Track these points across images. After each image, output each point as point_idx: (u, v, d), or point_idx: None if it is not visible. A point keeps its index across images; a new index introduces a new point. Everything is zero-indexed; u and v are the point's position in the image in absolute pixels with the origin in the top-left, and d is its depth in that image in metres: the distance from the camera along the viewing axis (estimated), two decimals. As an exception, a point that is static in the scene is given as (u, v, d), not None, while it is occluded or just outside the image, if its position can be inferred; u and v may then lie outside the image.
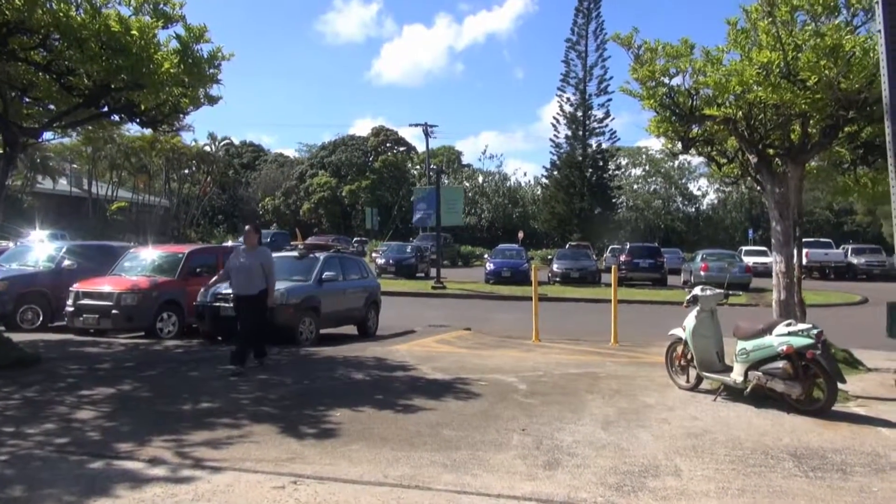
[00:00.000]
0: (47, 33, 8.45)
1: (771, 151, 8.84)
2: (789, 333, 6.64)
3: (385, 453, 5.27)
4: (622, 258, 29.10)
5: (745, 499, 4.50)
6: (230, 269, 8.98)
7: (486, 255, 34.81)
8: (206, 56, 9.12)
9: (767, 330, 6.83)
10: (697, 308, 7.61)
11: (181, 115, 10.33)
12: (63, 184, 46.37)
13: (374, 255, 39.03)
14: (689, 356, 7.70)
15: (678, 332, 7.88)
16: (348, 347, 10.89)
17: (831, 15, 7.57)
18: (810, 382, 6.56)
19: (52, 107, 9.83)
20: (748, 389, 6.86)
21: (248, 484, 4.62)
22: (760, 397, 6.88)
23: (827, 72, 7.13)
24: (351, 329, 13.28)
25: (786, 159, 8.78)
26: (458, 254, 43.61)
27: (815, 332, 6.54)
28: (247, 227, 9.17)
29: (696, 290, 7.72)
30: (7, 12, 8.12)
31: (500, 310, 19.21)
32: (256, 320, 8.79)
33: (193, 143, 51.54)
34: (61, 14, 8.11)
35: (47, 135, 10.93)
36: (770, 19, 7.46)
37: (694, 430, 6.07)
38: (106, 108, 9.66)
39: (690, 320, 7.63)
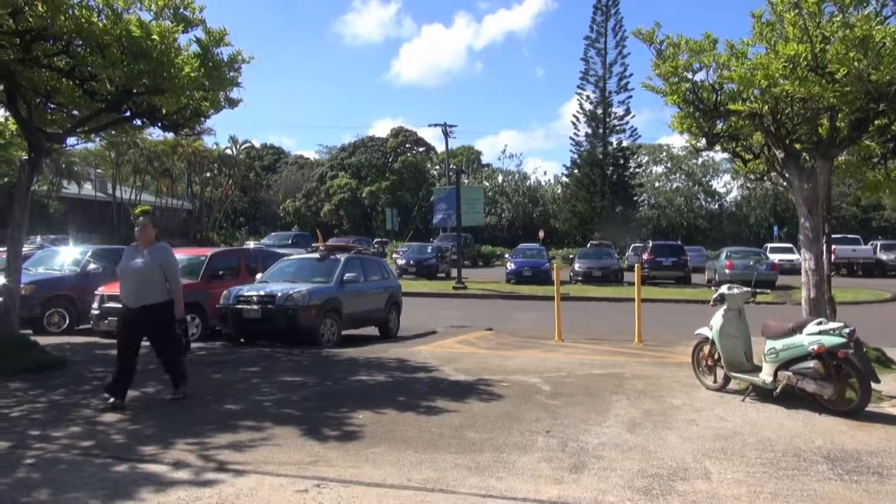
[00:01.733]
0: (70, 39, 8.54)
1: (798, 146, 8.67)
2: (820, 332, 6.50)
3: (408, 456, 5.23)
4: (645, 256, 28.87)
5: (777, 503, 4.39)
6: (118, 273, 6.93)
7: (506, 255, 34.77)
8: (226, 59, 9.16)
9: (797, 329, 6.69)
10: (724, 307, 7.49)
11: (202, 119, 10.39)
12: (88, 188, 47.13)
13: (394, 255, 39.10)
14: (716, 356, 7.58)
15: (704, 331, 7.77)
16: (370, 349, 10.90)
17: (860, 5, 7.39)
18: (843, 382, 6.41)
19: (75, 112, 9.94)
20: (778, 390, 6.73)
21: (271, 487, 4.61)
22: (791, 398, 6.75)
23: (856, 64, 6.96)
24: (372, 330, 13.30)
25: (814, 154, 8.60)
26: (478, 254, 43.54)
27: (846, 330, 6.39)
28: (139, 219, 6.91)
29: (723, 289, 7.60)
30: (30, 19, 8.22)
31: (521, 310, 19.18)
32: (165, 340, 6.86)
33: (215, 147, 52.23)
34: (83, 20, 8.20)
35: (71, 140, 11.05)
36: (796, 11, 7.30)
37: (723, 431, 5.96)
38: (128, 113, 9.75)
39: (717, 319, 7.51)
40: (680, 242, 36.02)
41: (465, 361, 9.53)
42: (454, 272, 28.05)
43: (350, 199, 65.46)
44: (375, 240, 52.24)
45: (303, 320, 11.00)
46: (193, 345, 11.44)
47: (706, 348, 7.76)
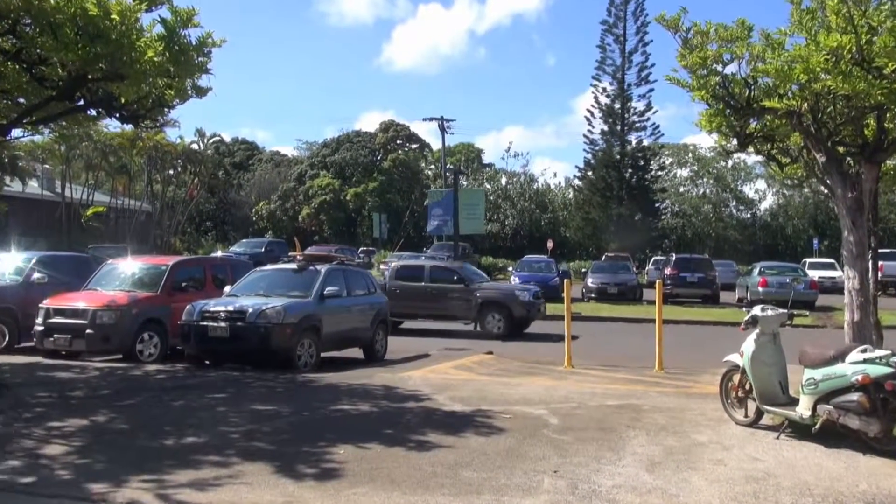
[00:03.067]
0: (17, 18, 8.57)
1: (841, 149, 8.73)
2: (865, 361, 6.52)
3: (395, 498, 5.22)
4: (667, 271, 28.91)
5: (816, 556, 4.39)
6: None
7: (510, 268, 34.71)
8: (194, 42, 9.18)
9: (839, 357, 6.71)
10: (757, 331, 7.50)
11: (166, 109, 10.41)
12: (34, 186, 47.06)
13: (382, 267, 39.10)
14: (747, 386, 7.59)
15: (734, 358, 7.78)
16: (353, 373, 10.89)
17: (912, -8, 7.47)
18: (890, 418, 6.42)
19: (21, 100, 9.95)
20: (817, 426, 6.74)
21: (238, 532, 4.59)
22: (831, 435, 6.76)
23: (907, 57, 7.03)
24: (356, 352, 13.29)
25: (859, 158, 8.66)
26: (478, 266, 43.55)
27: (895, 359, 6.41)
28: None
29: (756, 310, 7.62)
30: (-29, -6, 8.24)
31: (527, 330, 19.16)
32: None
33: (179, 141, 52.06)
34: (33, -4, 8.22)
35: (16, 132, 11.05)
36: (840, -3, 7.38)
37: (754, 473, 5.96)
38: (82, 102, 9.76)
39: (749, 345, 7.53)
40: (707, 256, 36.09)
41: (462, 389, 9.52)
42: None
43: (332, 202, 65.53)
44: (361, 249, 52.22)
45: (277, 340, 10.98)
46: (151, 366, 11.45)
47: (736, 378, 7.77)
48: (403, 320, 18.26)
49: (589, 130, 54.14)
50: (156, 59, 8.73)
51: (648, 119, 53.19)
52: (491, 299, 17.81)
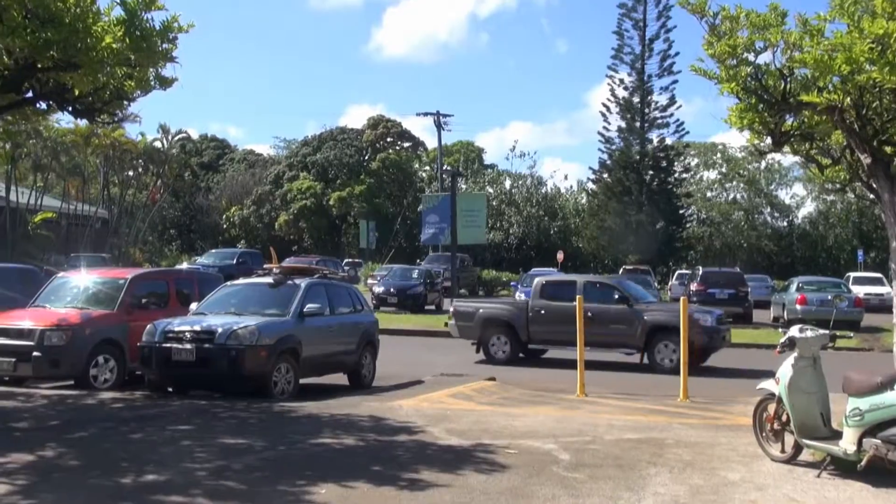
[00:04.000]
0: (-43, -1, 8.58)
1: (889, 149, 8.77)
2: (917, 389, 6.51)
3: (384, 544, 5.19)
4: (693, 287, 28.90)
5: None
6: None
7: (514, 283, 34.73)
8: (157, 27, 9.22)
9: (888, 384, 6.71)
10: (795, 354, 7.51)
11: (125, 102, 10.42)
12: (-26, 189, 47.03)
13: (370, 281, 39.01)
14: (784, 418, 7.59)
15: (769, 385, 7.78)
16: (337, 402, 10.87)
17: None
18: (946, 454, 6.42)
19: (-39, 92, 9.96)
20: (863, 462, 6.73)
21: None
22: (879, 473, 6.75)
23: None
24: (340, 378, 13.26)
25: (909, 159, 8.70)
26: (478, 280, 43.61)
27: (951, 387, 6.41)
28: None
29: (794, 331, 7.63)
30: None
31: (533, 354, 19.15)
32: None
33: (140, 138, 52.11)
34: (-25, -25, 8.26)
35: (-45, 127, 11.07)
36: (887, -22, 7.44)
37: (792, 516, 5.94)
38: (31, 94, 9.78)
39: (786, 370, 7.53)
40: (738, 269, 36.13)
41: (460, 421, 9.50)
42: (447, 304, 28.02)
43: (313, 208, 65.61)
44: (346, 261, 52.16)
45: (250, 364, 10.96)
46: (107, 394, 11.41)
47: (771, 408, 7.77)
48: (547, 348, 17.45)
49: (604, 127, 54.30)
50: (114, 45, 8.76)
51: (672, 115, 53.32)
52: (662, 324, 16.02)
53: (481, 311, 17.88)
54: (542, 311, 16.97)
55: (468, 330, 17.79)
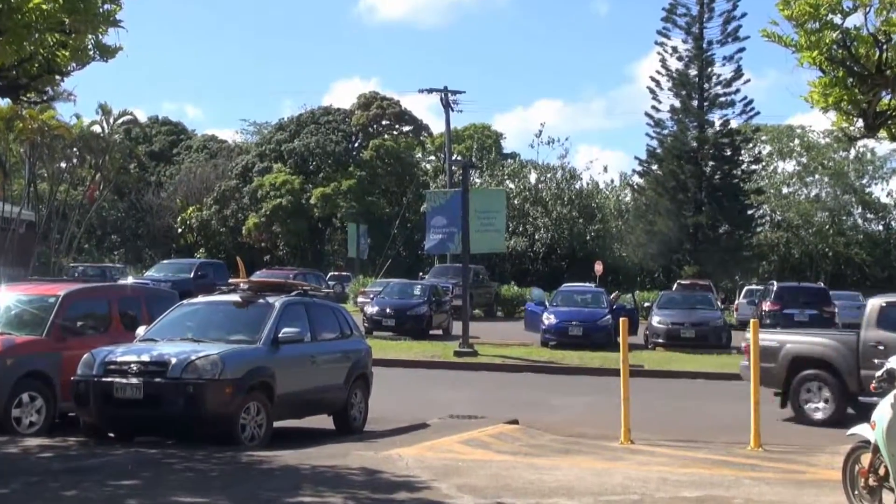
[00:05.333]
0: None
1: None
2: None
3: None
4: (766, 306, 28.85)
5: None
6: None
7: (532, 304, 34.56)
8: (97, -16, 9.26)
9: None
10: (895, 392, 7.46)
11: (57, 77, 10.45)
12: None
13: (360, 299, 38.88)
14: (881, 471, 7.55)
15: (863, 430, 7.74)
16: (320, 451, 10.85)
17: None
18: None
19: None
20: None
21: None
22: None
23: None
24: (324, 420, 13.25)
25: None
26: (496, 298, 43.59)
27: None
28: None
29: (893, 362, 7.58)
30: None
31: (565, 390, 19.17)
32: None
33: (75, 121, 52.30)
34: None
35: None
36: None
37: None
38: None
39: (885, 412, 7.48)
40: (822, 284, 36.02)
41: (475, 474, 9.47)
42: (457, 327, 27.99)
43: (291, 208, 65.67)
44: (331, 274, 52.17)
45: (212, 403, 10.95)
46: (33, 440, 11.38)
47: (866, 458, 7.73)
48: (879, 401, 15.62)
49: (654, 107, 54.32)
50: (44, 6, 8.78)
51: (737, 91, 53.28)
52: None
53: (788, 345, 15.77)
54: (882, 347, 14.54)
55: (768, 374, 14.84)
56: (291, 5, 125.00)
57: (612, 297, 31.26)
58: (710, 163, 53.73)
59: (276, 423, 11.93)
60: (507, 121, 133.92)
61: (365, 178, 66.99)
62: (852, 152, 63.92)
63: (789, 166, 68.23)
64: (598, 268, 45.71)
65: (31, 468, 9.71)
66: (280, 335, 12.10)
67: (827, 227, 63.42)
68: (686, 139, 53.46)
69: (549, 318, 28.07)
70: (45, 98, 11.31)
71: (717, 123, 53.86)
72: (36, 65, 9.93)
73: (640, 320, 29.97)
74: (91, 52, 9.96)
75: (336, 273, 53.59)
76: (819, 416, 15.01)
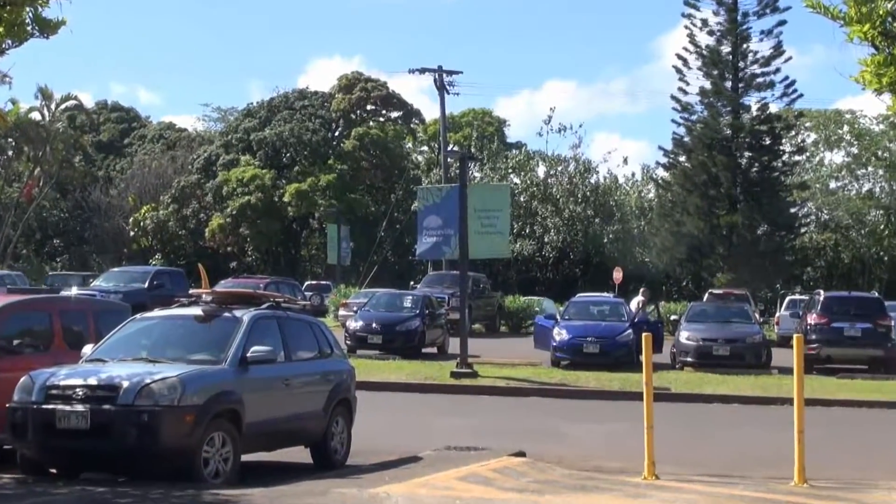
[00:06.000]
0: None
1: None
2: None
3: None
4: (811, 319, 28.78)
5: None
6: None
7: (542, 318, 34.51)
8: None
9: None
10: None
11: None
12: None
13: (342, 313, 38.69)
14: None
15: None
16: (295, 489, 10.82)
17: None
18: None
19: None
20: None
21: None
22: None
23: None
24: (300, 453, 13.24)
25: None
26: (499, 310, 43.54)
27: None
28: None
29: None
30: None
31: (579, 417, 19.16)
32: None
33: (11, 107, 52.25)
34: None
35: None
36: None
37: None
38: None
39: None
40: (877, 294, 35.94)
41: (475, 515, 9.45)
42: (455, 344, 27.94)
43: (261, 207, 65.62)
44: (308, 283, 52.09)
45: (169, 434, 10.89)
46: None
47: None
48: None
49: (681, 89, 54.17)
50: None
51: (777, 70, 53.17)
52: None
53: None
54: None
55: None
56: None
57: (637, 302, 31.27)
58: (747, 153, 53.65)
59: (245, 457, 11.87)
60: (512, 105, 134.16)
61: (347, 173, 67.00)
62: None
63: (837, 157, 68.15)
64: (618, 275, 45.71)
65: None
66: (249, 354, 12.06)
67: (882, 227, 63.24)
68: (718, 126, 53.34)
69: (560, 334, 28.03)
70: (-26, 80, 11.28)
71: (754, 108, 53.72)
72: (-38, 42, 9.92)
73: (665, 336, 29.95)
74: (29, 27, 9.93)
75: (314, 282, 53.57)
76: None
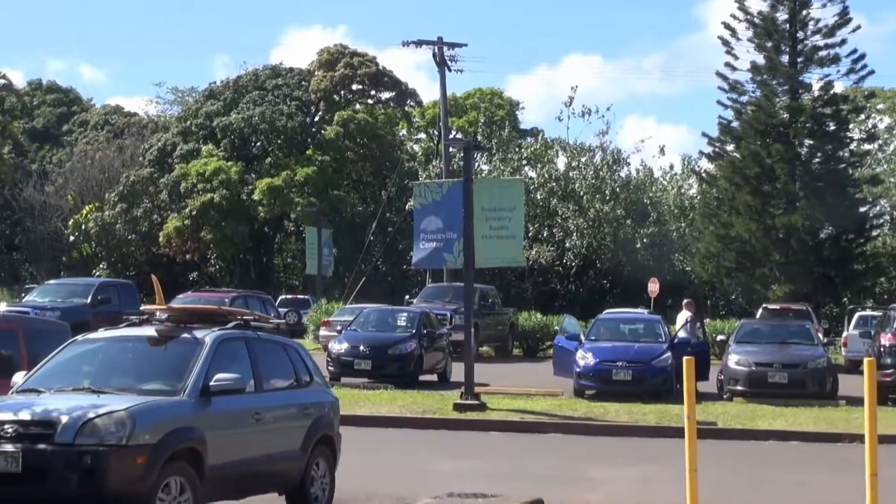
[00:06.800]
0: None
1: None
2: None
3: None
4: (886, 340, 28.76)
5: None
6: None
7: (563, 339, 34.39)
8: None
9: None
10: None
11: None
12: None
13: (323, 332, 38.71)
14: None
15: None
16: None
17: None
18: None
19: None
20: None
21: None
22: None
23: None
24: (274, 500, 13.24)
25: None
26: (512, 330, 43.52)
27: None
28: None
29: None
30: None
31: (609, 458, 19.16)
32: None
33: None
34: None
35: None
36: None
37: None
38: None
39: None
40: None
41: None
42: (458, 371, 27.93)
43: (227, 206, 65.59)
44: (283, 297, 52.08)
45: (117, 478, 10.85)
46: None
47: None
48: None
49: (728, 65, 54.24)
50: None
51: (843, 42, 53.22)
52: None
53: None
54: None
55: None
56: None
57: (685, 318, 31.28)
58: (807, 141, 53.65)
59: (210, 507, 11.91)
60: (527, 85, 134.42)
61: (329, 165, 67.00)
62: None
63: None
64: (653, 287, 45.67)
65: None
66: (212, 384, 12.04)
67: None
68: (773, 108, 53.33)
69: (585, 358, 28.05)
70: None
71: (816, 87, 53.76)
72: None
73: (711, 359, 29.93)
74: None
75: (290, 297, 53.63)
76: None
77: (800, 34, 53.20)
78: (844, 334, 41.07)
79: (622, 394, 26.49)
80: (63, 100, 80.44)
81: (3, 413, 11.34)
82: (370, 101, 72.99)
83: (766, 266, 51.71)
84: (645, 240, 60.94)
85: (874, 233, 57.72)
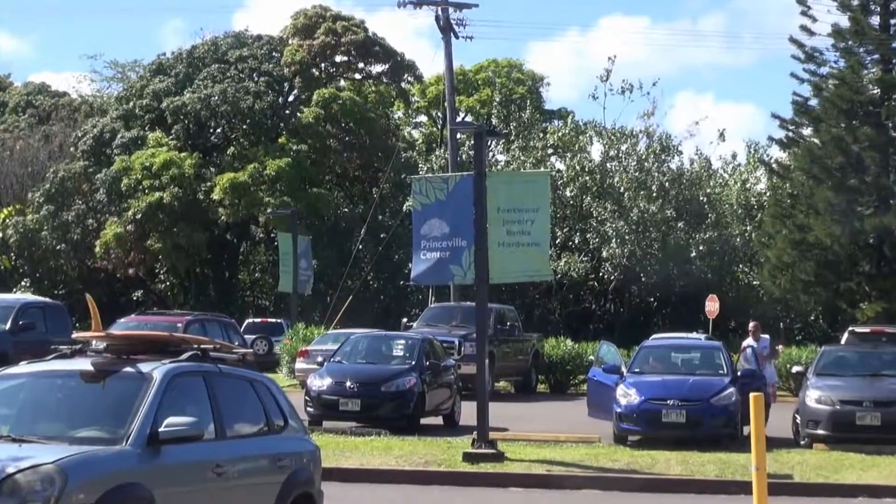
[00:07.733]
0: None
1: None
2: None
3: None
4: None
5: None
6: None
7: (597, 372, 34.45)
8: None
9: None
10: None
11: None
12: None
13: (301, 365, 38.75)
14: None
15: None
16: None
17: None
18: None
19: None
20: None
21: None
22: None
23: None
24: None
25: None
26: (536, 359, 43.59)
27: None
28: None
29: None
30: None
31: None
32: None
33: None
34: None
35: None
36: None
37: None
38: None
39: None
40: None
41: None
42: (469, 412, 27.96)
43: (179, 207, 65.65)
44: (250, 321, 52.16)
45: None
46: None
47: None
48: None
49: (805, 28, 54.35)
50: None
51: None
52: None
53: None
54: None
55: None
56: None
57: (765, 344, 31.31)
58: (903, 125, 53.82)
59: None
60: (553, 55, 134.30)
61: (306, 156, 67.03)
62: None
63: None
64: (712, 305, 45.75)
65: None
66: (162, 430, 12.01)
67: None
68: (861, 83, 53.47)
69: (627, 395, 28.09)
70: None
71: (915, 56, 54.01)
72: None
73: (783, 394, 29.91)
74: None
75: (258, 320, 53.73)
76: None
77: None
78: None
79: (674, 440, 26.50)
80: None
81: None
82: (358, 77, 73.09)
83: (852, 279, 51.71)
84: (701, 247, 60.95)
85: None
